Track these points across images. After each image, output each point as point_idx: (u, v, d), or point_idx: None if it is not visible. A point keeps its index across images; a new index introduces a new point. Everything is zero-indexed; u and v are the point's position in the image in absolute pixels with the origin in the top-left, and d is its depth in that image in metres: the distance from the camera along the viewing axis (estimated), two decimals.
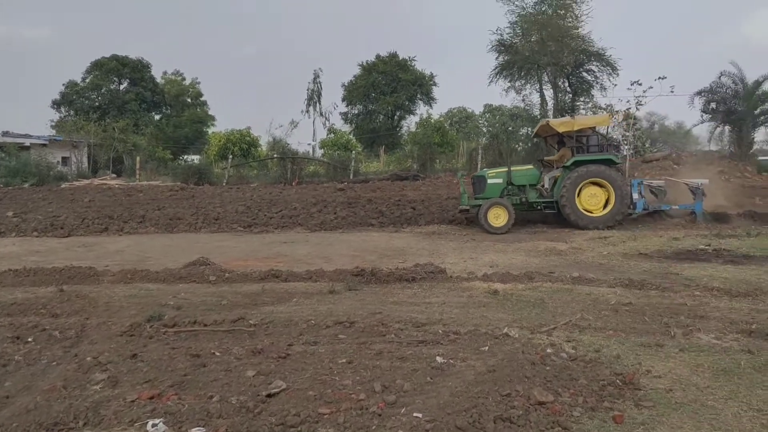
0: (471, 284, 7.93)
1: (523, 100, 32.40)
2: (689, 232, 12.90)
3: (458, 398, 3.91)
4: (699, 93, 28.05)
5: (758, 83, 26.98)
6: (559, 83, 31.15)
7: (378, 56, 53.23)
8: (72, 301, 7.06)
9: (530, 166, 15.82)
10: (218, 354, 4.96)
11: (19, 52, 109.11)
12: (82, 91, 49.07)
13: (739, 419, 3.71)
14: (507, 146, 30.62)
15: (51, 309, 6.68)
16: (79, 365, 4.73)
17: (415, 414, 3.67)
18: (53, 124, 45.65)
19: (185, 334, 5.63)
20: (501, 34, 31.48)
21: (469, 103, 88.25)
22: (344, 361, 4.72)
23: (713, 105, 28.27)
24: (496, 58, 32.01)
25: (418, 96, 53.20)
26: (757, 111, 27.63)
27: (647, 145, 34.78)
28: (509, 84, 31.88)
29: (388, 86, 51.47)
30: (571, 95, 31.64)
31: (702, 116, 29.13)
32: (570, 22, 30.39)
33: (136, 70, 50.92)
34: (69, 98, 48.35)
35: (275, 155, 29.47)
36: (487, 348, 5.02)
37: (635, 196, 14.56)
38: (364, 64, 53.22)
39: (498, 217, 14.04)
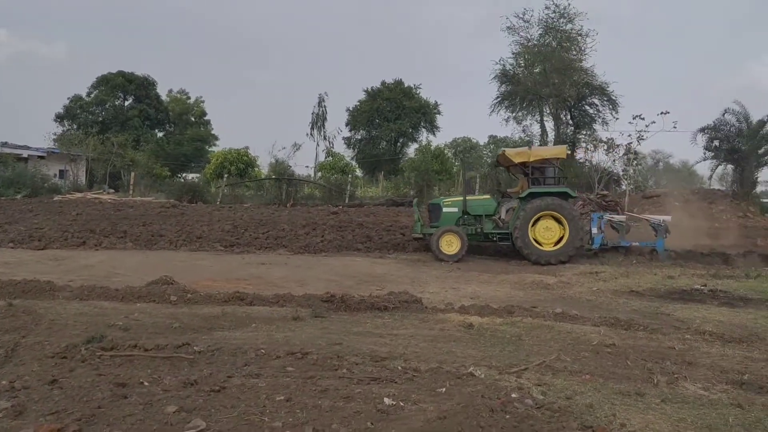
0: (446, 316, 7.43)
1: (524, 131, 32.12)
2: (685, 270, 12.37)
3: None
4: (702, 130, 27.76)
5: (762, 123, 26.66)
6: (561, 116, 30.90)
7: (383, 83, 53.35)
8: (16, 316, 6.57)
9: (487, 196, 15.66)
10: (146, 384, 4.46)
11: (33, 66, 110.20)
12: (86, 106, 49.13)
13: None
14: (507, 176, 30.21)
15: None
16: None
17: None
18: (55, 137, 45.56)
19: (121, 359, 5.14)
20: (504, 65, 31.37)
21: (474, 134, 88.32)
22: (282, 398, 4.22)
23: (716, 143, 27.92)
24: (499, 89, 31.88)
25: (422, 124, 53.13)
26: (761, 150, 27.21)
27: (649, 182, 34.39)
28: (510, 114, 31.65)
29: (392, 113, 51.39)
30: (572, 128, 31.35)
31: (704, 154, 28.79)
32: (574, 55, 30.23)
33: (141, 86, 51.05)
34: (72, 112, 48.39)
35: (271, 176, 29.11)
36: (444, 389, 4.51)
37: (594, 230, 14.15)
38: (369, 90, 53.29)
39: (450, 245, 13.80)
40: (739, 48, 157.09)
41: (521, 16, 30.45)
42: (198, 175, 38.11)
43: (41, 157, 32.95)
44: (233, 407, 4.05)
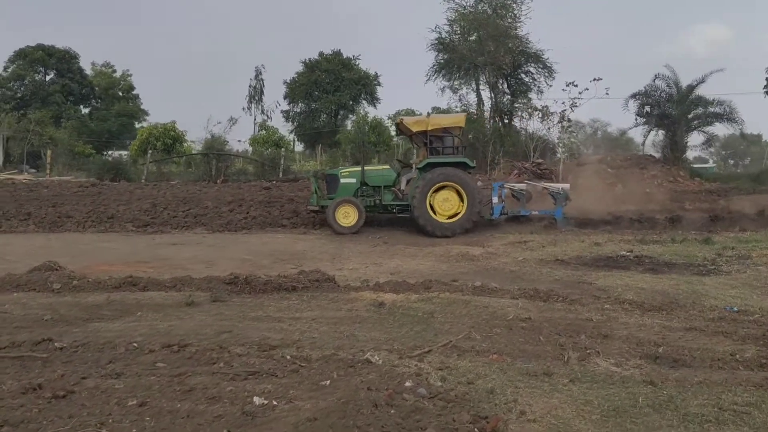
0: (358, 295, 6.90)
1: (460, 100, 31.72)
2: (613, 237, 12.22)
3: None
4: (633, 96, 27.96)
5: (692, 87, 27.01)
6: (498, 84, 30.60)
7: (321, 54, 51.91)
8: None
9: (386, 166, 15.30)
10: None
11: None
12: (2, 82, 46.05)
13: None
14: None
15: None
16: None
17: None
18: None
19: None
20: (440, 33, 30.75)
21: (417, 105, 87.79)
22: (135, 402, 3.62)
23: (647, 108, 28.19)
24: (436, 57, 31.29)
25: (362, 96, 52.14)
26: (691, 115, 27.66)
27: (588, 150, 34.72)
28: (446, 83, 31.18)
29: (331, 85, 50.13)
30: (509, 96, 31.17)
31: (636, 120, 29.08)
32: (509, 23, 29.88)
33: (63, 60, 48.17)
34: None
35: (198, 152, 27.87)
36: (329, 382, 3.99)
37: (495, 200, 13.98)
38: (307, 61, 51.81)
39: (347, 216, 13.39)
40: (676, 16, 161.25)
41: None
42: (126, 152, 36.31)
43: None
44: (71, 417, 3.43)
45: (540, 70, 29.93)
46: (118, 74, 55.43)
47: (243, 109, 49.21)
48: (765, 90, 31.77)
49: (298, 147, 52.08)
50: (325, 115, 51.01)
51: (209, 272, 8.22)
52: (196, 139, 32.93)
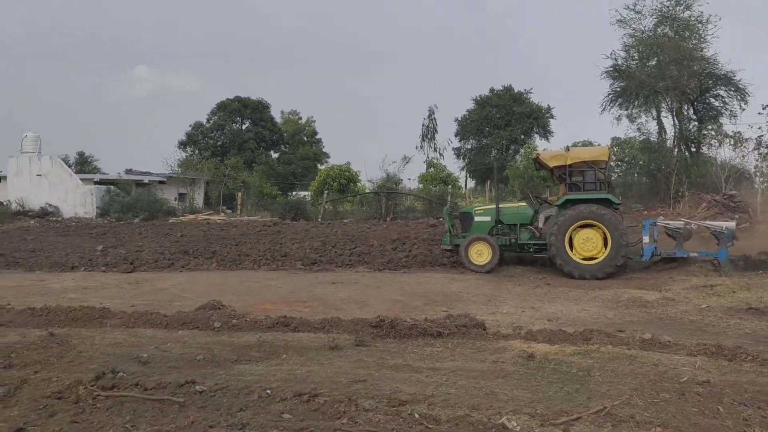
0: (507, 344, 6.40)
1: (639, 129, 29.54)
2: None
3: None
4: None
5: None
6: (683, 110, 28.05)
7: (492, 90, 52.00)
8: (47, 348, 6.39)
9: (522, 203, 14.48)
10: None
11: (168, 100, 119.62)
12: (206, 132, 51.86)
13: None
14: (637, 180, 28.21)
15: (17, 357, 6.03)
16: None
17: None
18: (179, 162, 48.41)
19: (112, 401, 4.68)
20: (615, 59, 29.09)
21: (595, 137, 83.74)
22: None
23: None
24: (610, 85, 29.62)
25: (534, 129, 51.09)
26: None
27: None
28: (622, 112, 29.29)
29: (501, 120, 49.96)
30: (696, 123, 28.40)
31: None
32: (693, 44, 27.42)
33: (256, 110, 53.13)
34: (194, 138, 51.21)
35: (368, 191, 28.83)
36: None
37: (645, 239, 12.44)
38: (478, 98, 52.17)
39: (480, 254, 12.97)
40: None
41: (632, 7, 28.14)
42: (308, 192, 38.79)
43: (161, 182, 34.89)
44: None
45: (731, 92, 27.00)
46: (303, 120, 60.03)
47: (416, 147, 50.55)
48: None
49: (471, 183, 52.25)
50: (495, 151, 50.61)
51: (360, 313, 8.22)
52: (373, 178, 34.31)
